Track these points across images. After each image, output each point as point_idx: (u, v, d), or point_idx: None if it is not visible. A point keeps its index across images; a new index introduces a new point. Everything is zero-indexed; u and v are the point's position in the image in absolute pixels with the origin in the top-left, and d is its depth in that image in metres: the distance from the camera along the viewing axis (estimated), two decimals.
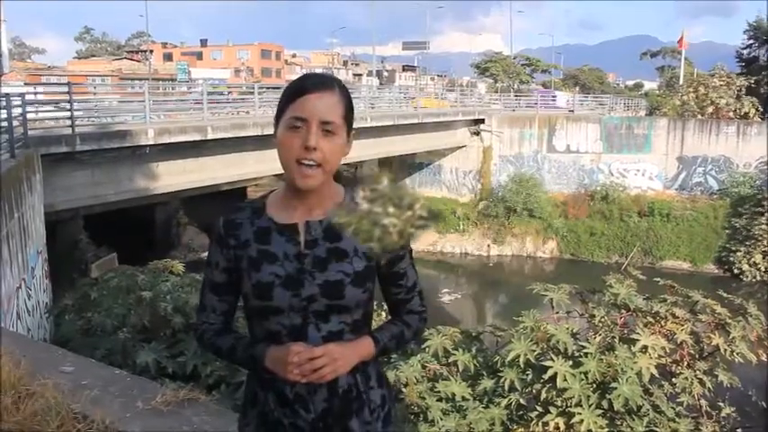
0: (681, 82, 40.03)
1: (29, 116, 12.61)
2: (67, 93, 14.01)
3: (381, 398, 1.78)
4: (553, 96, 38.22)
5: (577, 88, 62.60)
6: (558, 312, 5.23)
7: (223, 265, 1.73)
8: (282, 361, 1.60)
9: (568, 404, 4.27)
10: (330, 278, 1.65)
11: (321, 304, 1.65)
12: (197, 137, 16.35)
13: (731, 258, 25.07)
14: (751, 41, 43.96)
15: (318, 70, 79.70)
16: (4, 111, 10.53)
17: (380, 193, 1.68)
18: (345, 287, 1.66)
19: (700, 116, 30.69)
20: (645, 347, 4.59)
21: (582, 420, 4.13)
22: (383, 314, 3.06)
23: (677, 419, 4.53)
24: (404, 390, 4.78)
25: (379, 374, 1.79)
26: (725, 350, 5.00)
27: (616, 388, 4.22)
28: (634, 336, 4.73)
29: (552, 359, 4.37)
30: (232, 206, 1.77)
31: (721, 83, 32.63)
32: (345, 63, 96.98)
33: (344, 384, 1.68)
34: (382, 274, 1.76)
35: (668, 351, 4.86)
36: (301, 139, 1.58)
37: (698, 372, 4.94)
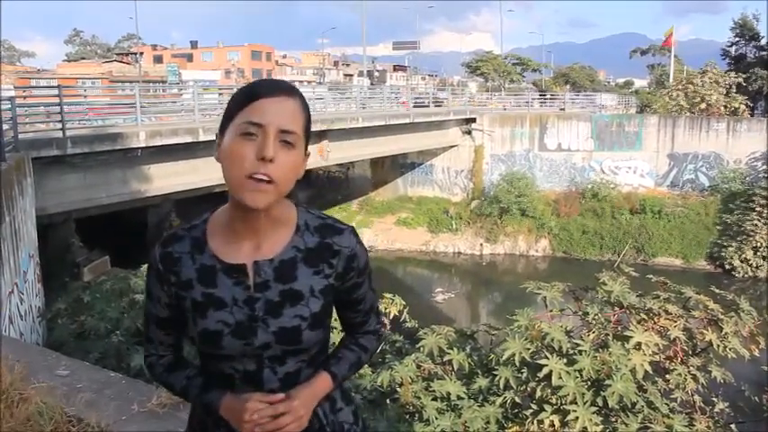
0: (671, 80, 40.21)
1: (18, 119, 12.54)
2: (58, 96, 13.95)
3: (353, 414, 1.67)
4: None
5: (568, 86, 62.73)
6: (551, 310, 5.25)
7: (165, 300, 1.55)
8: (239, 416, 1.45)
9: (563, 402, 4.28)
10: (285, 324, 1.47)
11: (276, 350, 1.49)
12: (189, 139, 16.31)
13: (723, 254, 25.17)
14: (737, 39, 44.22)
15: (309, 71, 79.38)
16: None
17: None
18: (303, 332, 1.49)
19: (690, 113, 30.82)
20: (638, 344, 4.61)
21: (577, 418, 4.14)
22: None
23: (671, 415, 4.54)
24: (399, 389, 4.78)
25: (343, 392, 1.68)
26: (718, 346, 5.03)
27: (610, 385, 4.24)
28: (628, 333, 4.75)
29: (547, 357, 4.38)
30: (169, 233, 1.57)
31: (711, 80, 32.80)
32: (336, 64, 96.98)
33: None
34: (339, 301, 1.61)
35: (662, 347, 4.88)
36: (255, 148, 1.36)
37: (691, 368, 4.97)
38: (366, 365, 4.33)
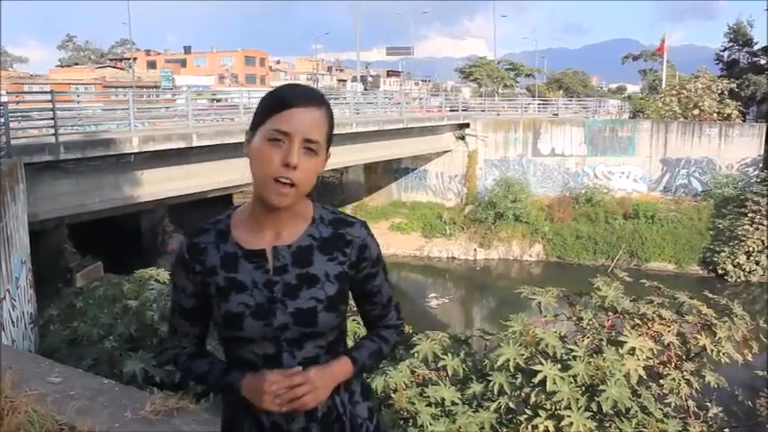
0: (663, 85, 40.36)
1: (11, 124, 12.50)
2: (51, 101, 13.91)
3: (368, 410, 1.74)
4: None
5: (561, 92, 62.91)
6: (545, 316, 5.25)
7: (190, 290, 1.66)
8: (259, 390, 1.54)
9: (557, 407, 4.28)
10: (302, 306, 1.58)
11: (294, 332, 1.59)
12: (182, 144, 16.28)
13: (715, 259, 25.21)
14: (731, 44, 44.40)
15: (303, 76, 79.38)
16: None
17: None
18: (318, 314, 1.59)
19: (683, 118, 30.94)
20: (632, 349, 4.61)
21: (571, 423, 4.14)
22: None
23: (665, 420, 4.55)
24: (393, 395, 4.77)
25: (363, 387, 1.76)
26: (711, 350, 5.04)
27: (605, 390, 4.24)
28: (622, 338, 4.75)
29: (541, 363, 4.38)
30: (195, 227, 1.68)
31: (704, 85, 32.93)
32: (330, 69, 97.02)
33: (324, 408, 1.63)
34: (356, 292, 1.71)
35: (655, 352, 4.88)
36: (281, 154, 1.49)
37: (685, 372, 4.98)
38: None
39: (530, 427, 4.37)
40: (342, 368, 1.64)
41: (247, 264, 1.60)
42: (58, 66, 76.99)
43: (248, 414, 1.63)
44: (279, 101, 1.53)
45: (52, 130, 13.43)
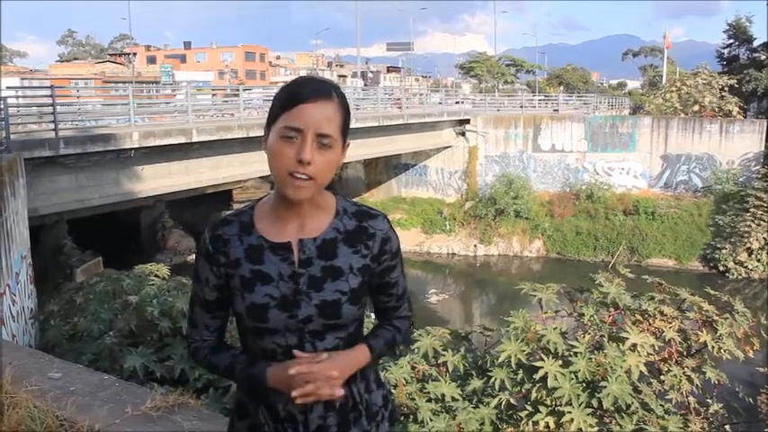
0: (664, 81, 40.30)
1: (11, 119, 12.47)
2: (50, 96, 13.89)
3: (383, 398, 1.79)
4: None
5: (562, 88, 62.84)
6: (546, 312, 5.24)
7: (213, 282, 1.67)
8: (287, 379, 1.56)
9: (558, 403, 4.27)
10: (327, 298, 1.60)
11: (318, 324, 1.61)
12: (182, 140, 16.27)
13: (716, 255, 25.20)
14: (731, 41, 44.34)
15: (303, 72, 79.30)
16: None
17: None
18: (342, 306, 1.61)
19: (683, 114, 30.89)
20: (634, 345, 4.60)
21: (572, 419, 4.13)
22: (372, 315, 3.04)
23: (666, 417, 4.53)
24: (393, 391, 4.76)
25: (377, 376, 1.80)
26: (712, 347, 5.03)
27: (606, 386, 4.23)
28: (623, 334, 4.74)
29: (543, 359, 4.37)
30: (218, 219, 1.70)
31: (704, 81, 32.89)
32: (330, 64, 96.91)
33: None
34: (373, 283, 1.72)
35: (657, 349, 4.87)
36: (295, 150, 1.51)
37: (686, 369, 4.97)
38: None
39: (530, 423, 4.36)
40: (361, 355, 1.67)
41: (273, 256, 1.62)
42: (57, 61, 76.91)
43: (263, 401, 1.66)
44: (290, 97, 1.54)
45: (52, 126, 13.41)
